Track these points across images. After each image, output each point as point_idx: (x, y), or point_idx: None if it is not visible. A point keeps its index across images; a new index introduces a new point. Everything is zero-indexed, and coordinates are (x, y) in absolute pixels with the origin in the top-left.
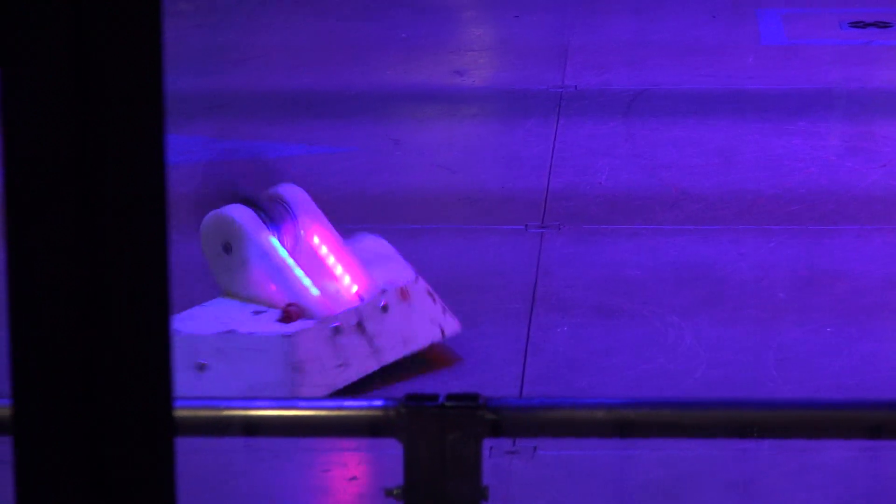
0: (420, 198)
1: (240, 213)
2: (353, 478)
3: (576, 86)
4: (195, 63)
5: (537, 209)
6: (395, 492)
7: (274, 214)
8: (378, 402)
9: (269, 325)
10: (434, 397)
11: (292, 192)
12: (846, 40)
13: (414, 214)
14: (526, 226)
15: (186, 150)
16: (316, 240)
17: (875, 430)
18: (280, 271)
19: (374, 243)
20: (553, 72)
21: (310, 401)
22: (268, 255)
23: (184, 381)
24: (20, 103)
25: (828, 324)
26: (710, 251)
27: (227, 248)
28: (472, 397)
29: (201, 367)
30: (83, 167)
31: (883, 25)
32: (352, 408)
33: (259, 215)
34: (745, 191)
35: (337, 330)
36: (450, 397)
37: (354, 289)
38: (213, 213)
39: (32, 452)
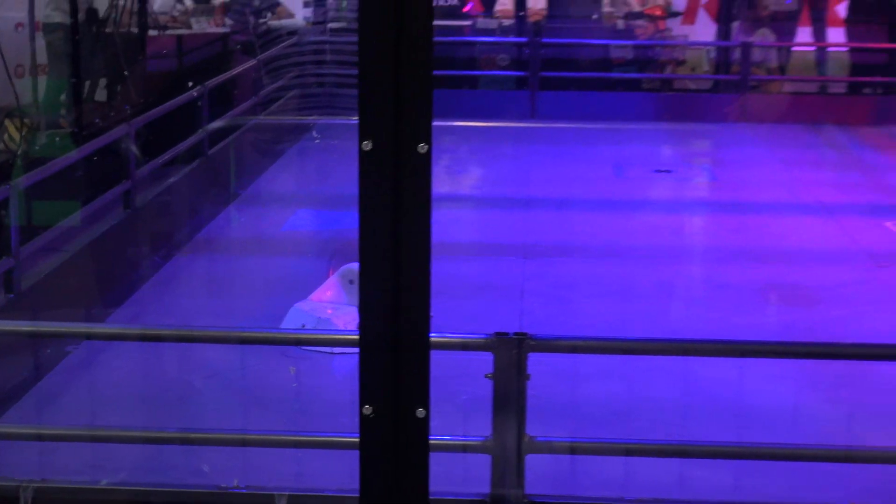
0: None
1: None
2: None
3: None
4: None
5: None
6: (489, 375)
7: None
8: (483, 335)
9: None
10: (506, 334)
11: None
12: (655, 177)
13: None
14: None
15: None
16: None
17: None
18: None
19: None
20: None
21: (459, 334)
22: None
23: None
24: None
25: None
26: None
27: (352, 282)
28: (525, 335)
29: (302, 325)
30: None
31: (666, 171)
32: (473, 338)
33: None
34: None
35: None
36: (516, 334)
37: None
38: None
39: (370, 356)
